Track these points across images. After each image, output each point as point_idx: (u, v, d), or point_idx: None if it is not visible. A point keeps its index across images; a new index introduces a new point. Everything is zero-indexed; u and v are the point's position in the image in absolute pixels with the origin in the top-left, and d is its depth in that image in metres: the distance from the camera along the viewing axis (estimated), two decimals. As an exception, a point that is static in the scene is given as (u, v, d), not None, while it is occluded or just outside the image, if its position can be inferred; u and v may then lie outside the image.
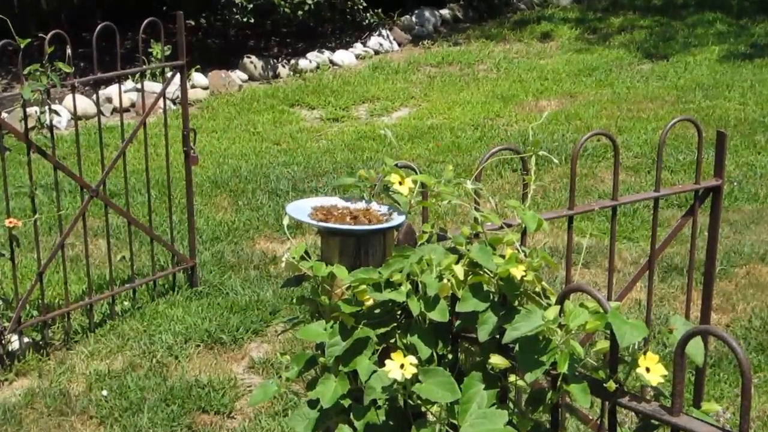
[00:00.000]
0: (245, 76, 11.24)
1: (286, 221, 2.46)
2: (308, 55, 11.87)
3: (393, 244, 2.48)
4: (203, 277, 5.82)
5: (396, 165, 2.55)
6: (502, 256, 2.14)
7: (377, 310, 2.35)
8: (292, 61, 11.65)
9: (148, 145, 5.58)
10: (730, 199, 6.85)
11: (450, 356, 2.31)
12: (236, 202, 7.25)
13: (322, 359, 2.39)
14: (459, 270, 2.12)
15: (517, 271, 2.06)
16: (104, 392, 4.62)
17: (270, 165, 8.16)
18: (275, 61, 11.62)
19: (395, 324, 2.33)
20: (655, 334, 4.29)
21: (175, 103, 9.52)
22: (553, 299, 2.13)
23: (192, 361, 4.93)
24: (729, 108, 9.25)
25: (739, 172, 7.41)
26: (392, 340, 2.34)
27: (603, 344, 2.04)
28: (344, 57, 12.07)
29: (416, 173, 2.62)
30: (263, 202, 7.22)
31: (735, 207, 6.79)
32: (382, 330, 2.32)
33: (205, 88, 10.62)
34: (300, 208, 2.51)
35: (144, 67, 5.49)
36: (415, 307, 2.16)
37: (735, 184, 7.13)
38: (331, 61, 11.97)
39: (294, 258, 2.37)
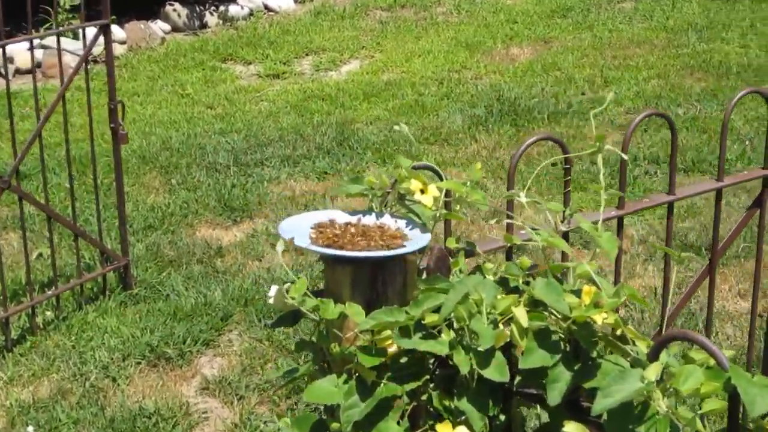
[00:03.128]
0: (168, 27, 10.82)
1: (280, 247, 2.13)
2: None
3: (415, 270, 2.17)
4: (138, 276, 5.46)
5: (414, 167, 2.23)
6: (573, 293, 1.84)
7: (404, 359, 2.04)
8: (221, 8, 11.23)
9: (58, 112, 5.15)
10: (743, 161, 6.62)
11: (502, 417, 2.01)
12: (169, 181, 6.89)
13: (335, 425, 2.06)
14: (521, 315, 1.81)
15: (600, 317, 1.76)
16: (30, 428, 4.27)
17: (205, 134, 7.80)
18: (201, 8, 11.19)
19: (428, 376, 2.03)
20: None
21: (90, 62, 9.07)
22: (642, 345, 1.84)
23: (133, 383, 4.60)
24: (729, 52, 9.03)
25: (750, 128, 7.19)
26: (424, 397, 2.05)
27: (714, 405, 1.75)
28: (281, 1, 11.67)
29: (439, 177, 2.31)
30: (201, 179, 6.86)
31: (749, 170, 6.55)
32: (412, 385, 2.01)
33: (122, 43, 10.18)
34: (297, 228, 2.19)
35: (61, 28, 5.08)
36: (464, 363, 1.85)
37: (747, 142, 6.90)
38: (266, 7, 11.57)
39: (294, 298, 2.05)
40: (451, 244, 2.28)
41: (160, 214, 6.32)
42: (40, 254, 5.73)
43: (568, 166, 2.40)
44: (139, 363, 4.73)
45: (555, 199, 6.16)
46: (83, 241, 5.25)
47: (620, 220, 2.46)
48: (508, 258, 2.51)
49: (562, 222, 2.31)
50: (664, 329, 2.52)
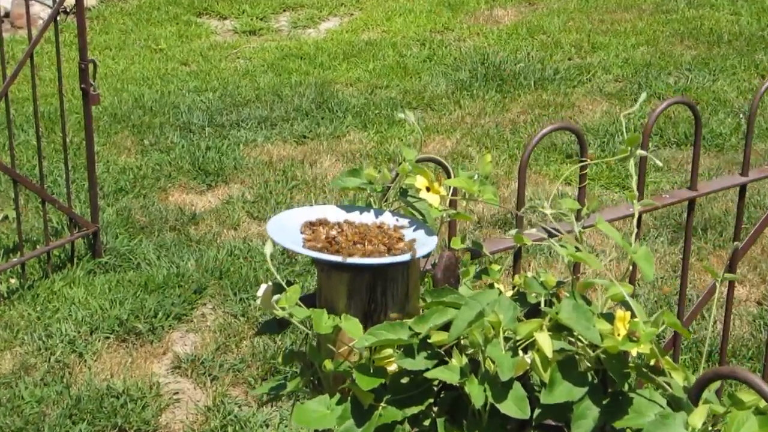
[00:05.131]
0: (141, -21, 10.47)
1: (268, 249, 1.90)
2: (216, -48, 11.13)
3: (418, 277, 1.95)
4: (108, 243, 5.21)
5: (418, 161, 2.00)
6: (605, 317, 1.62)
7: (405, 379, 1.82)
8: (197, -40, 10.88)
9: (26, 65, 4.87)
10: (737, 135, 6.41)
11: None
12: (141, 141, 6.63)
13: (327, 452, 1.84)
14: (545, 343, 1.59)
15: (635, 351, 1.55)
16: (-10, 407, 4.04)
17: (179, 92, 7.52)
18: (177, -41, 10.85)
19: (431, 400, 1.81)
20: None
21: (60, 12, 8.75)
22: (678, 378, 1.63)
23: (101, 359, 4.37)
24: (719, 19, 8.79)
25: (744, 100, 6.97)
26: (427, 422, 1.83)
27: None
28: (259, -46, 11.34)
29: (446, 171, 2.08)
30: (174, 141, 6.60)
31: (744, 145, 6.33)
32: (414, 410, 1.80)
33: (94, -6, 9.85)
34: (286, 227, 1.96)
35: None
36: (479, 396, 1.63)
37: (741, 115, 6.69)
38: (243, -40, 11.23)
39: (285, 308, 1.82)
40: (456, 244, 2.06)
41: (132, 177, 6.06)
42: (6, 217, 5.47)
43: (585, 160, 2.17)
44: (108, 337, 4.50)
45: (552, 170, 5.95)
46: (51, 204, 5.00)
47: (639, 217, 2.23)
48: (516, 258, 2.29)
49: (578, 221, 2.09)
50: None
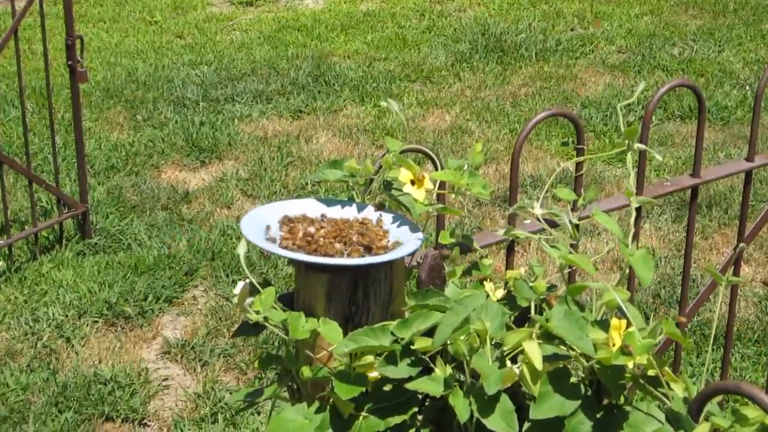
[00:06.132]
0: (137, -51, 10.32)
1: (242, 249, 1.79)
2: None
3: (402, 276, 1.84)
4: (97, 223, 5.10)
5: (403, 152, 1.89)
6: (600, 325, 1.51)
7: (387, 387, 1.72)
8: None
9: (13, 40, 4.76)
10: (743, 108, 6.28)
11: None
12: (134, 117, 6.51)
13: (305, 465, 1.74)
14: (535, 353, 1.48)
15: (632, 363, 1.44)
16: (-26, 395, 3.95)
17: (173, 66, 7.40)
18: (173, -71, 10.70)
19: (415, 409, 1.70)
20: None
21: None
22: (678, 389, 1.52)
23: (89, 344, 4.26)
24: (725, -12, 8.64)
25: (750, 72, 6.84)
26: (411, 432, 1.73)
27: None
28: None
29: (434, 162, 1.96)
30: (168, 116, 6.48)
31: (750, 118, 6.21)
32: (397, 419, 1.69)
33: (88, -35, 9.70)
34: (262, 222, 1.85)
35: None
36: (463, 410, 1.53)
37: (747, 87, 6.55)
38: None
39: (260, 312, 1.71)
40: (445, 239, 1.95)
41: (124, 154, 5.95)
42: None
43: (582, 147, 2.06)
44: (96, 322, 4.39)
45: (553, 145, 5.83)
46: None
47: (638, 208, 2.12)
48: (510, 250, 2.18)
49: (573, 212, 1.98)
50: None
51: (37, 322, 4.37)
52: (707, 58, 7.08)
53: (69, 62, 4.78)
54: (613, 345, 1.48)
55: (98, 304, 4.46)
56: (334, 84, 6.92)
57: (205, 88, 6.90)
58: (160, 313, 4.48)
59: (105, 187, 5.53)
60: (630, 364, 1.47)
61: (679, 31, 7.63)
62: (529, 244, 4.70)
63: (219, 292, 4.60)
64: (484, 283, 1.85)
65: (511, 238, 2.06)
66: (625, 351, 1.44)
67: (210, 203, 5.39)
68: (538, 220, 1.69)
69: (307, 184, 5.53)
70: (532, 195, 5.33)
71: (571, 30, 7.91)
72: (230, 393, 3.97)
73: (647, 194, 2.22)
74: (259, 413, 3.85)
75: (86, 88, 6.73)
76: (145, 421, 3.88)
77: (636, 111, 6.19)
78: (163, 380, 4.08)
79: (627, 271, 1.58)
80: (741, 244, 2.09)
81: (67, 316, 4.41)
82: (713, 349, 4.06)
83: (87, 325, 4.36)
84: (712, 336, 3.55)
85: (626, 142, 1.62)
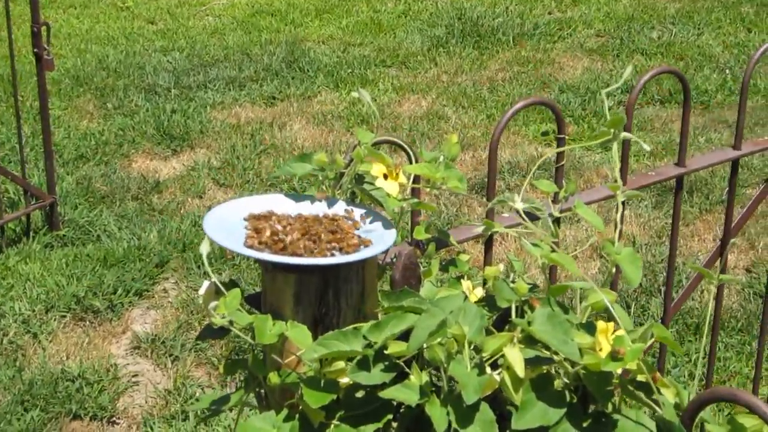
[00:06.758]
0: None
1: (205, 248, 1.69)
2: None
3: (375, 274, 1.75)
4: (66, 215, 4.99)
5: (375, 144, 1.79)
6: (585, 328, 1.42)
7: (360, 393, 1.62)
8: None
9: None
10: (723, 92, 6.21)
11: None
12: (104, 105, 6.38)
13: (273, 477, 1.64)
14: (516, 360, 1.39)
15: (620, 369, 1.35)
16: (-64, 395, 3.83)
17: (144, 52, 7.27)
18: None
19: (390, 416, 1.61)
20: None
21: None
22: (669, 395, 1.43)
23: (56, 339, 4.15)
24: (703, -30, 8.56)
25: (729, 55, 6.77)
26: (386, 441, 1.63)
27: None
28: None
29: (408, 154, 1.87)
30: (138, 104, 6.36)
31: (730, 102, 6.13)
32: (370, 428, 1.59)
33: (58, -50, 9.54)
34: (227, 220, 1.74)
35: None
36: (441, 420, 1.43)
37: (727, 71, 6.48)
38: None
39: (225, 315, 1.61)
40: (420, 234, 1.85)
41: (94, 143, 5.83)
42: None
43: (562, 136, 1.97)
44: (64, 316, 4.28)
45: (531, 130, 5.74)
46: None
47: (622, 211, 2.03)
48: (488, 246, 2.09)
49: (554, 204, 1.89)
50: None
51: (2, 317, 4.26)
52: (686, 41, 7.01)
53: (35, 50, 4.66)
54: (600, 349, 1.39)
55: (66, 298, 4.35)
56: (308, 70, 6.82)
57: (177, 75, 6.78)
58: (129, 306, 4.38)
59: (74, 177, 5.41)
60: (618, 370, 1.38)
61: (658, 15, 7.55)
62: (509, 235, 4.61)
63: (190, 284, 4.49)
64: (462, 281, 1.75)
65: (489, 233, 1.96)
66: (615, 357, 1.35)
67: (181, 193, 5.28)
68: (520, 215, 1.59)
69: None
70: (510, 182, 5.24)
71: (549, 14, 7.82)
72: (201, 389, 3.88)
73: (631, 185, 2.13)
74: (231, 410, 3.74)
75: (55, 75, 6.61)
76: (113, 419, 3.77)
77: (615, 95, 6.11)
78: (133, 376, 3.98)
79: (614, 270, 1.48)
80: (732, 240, 2.00)
81: (34, 310, 4.30)
82: (695, 339, 3.98)
83: (54, 320, 4.25)
84: (704, 334, 3.47)
85: (612, 131, 1.52)
